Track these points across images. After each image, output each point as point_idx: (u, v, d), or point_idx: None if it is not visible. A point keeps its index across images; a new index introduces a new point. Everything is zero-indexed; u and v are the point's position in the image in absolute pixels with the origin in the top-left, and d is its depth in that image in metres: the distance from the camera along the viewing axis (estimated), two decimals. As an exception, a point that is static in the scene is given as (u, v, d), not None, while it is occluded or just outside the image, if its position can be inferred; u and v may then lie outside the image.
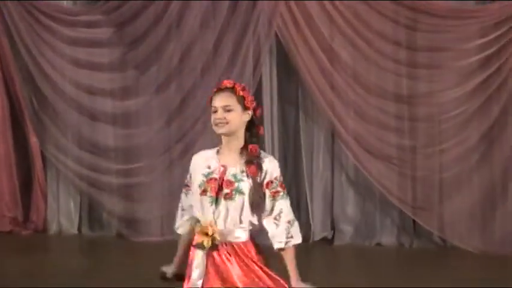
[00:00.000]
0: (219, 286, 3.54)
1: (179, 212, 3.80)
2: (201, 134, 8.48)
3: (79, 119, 9.00)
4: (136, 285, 6.38)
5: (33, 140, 9.07)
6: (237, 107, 3.58)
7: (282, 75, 8.73)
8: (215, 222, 3.54)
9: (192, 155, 3.75)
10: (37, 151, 9.08)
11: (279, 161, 8.77)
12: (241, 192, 3.54)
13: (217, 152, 3.66)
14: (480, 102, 8.23)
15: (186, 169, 3.77)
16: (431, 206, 8.37)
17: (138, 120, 8.89)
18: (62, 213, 9.17)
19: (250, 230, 3.61)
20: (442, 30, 8.23)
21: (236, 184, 3.54)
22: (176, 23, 8.67)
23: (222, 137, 3.63)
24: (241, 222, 3.56)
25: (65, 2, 9.16)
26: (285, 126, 8.84)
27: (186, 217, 3.76)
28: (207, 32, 8.57)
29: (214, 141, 3.74)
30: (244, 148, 3.60)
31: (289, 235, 3.62)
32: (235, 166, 3.59)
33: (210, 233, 3.51)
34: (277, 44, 8.59)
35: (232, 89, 3.60)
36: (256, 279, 3.55)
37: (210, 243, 3.52)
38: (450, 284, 6.79)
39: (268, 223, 3.61)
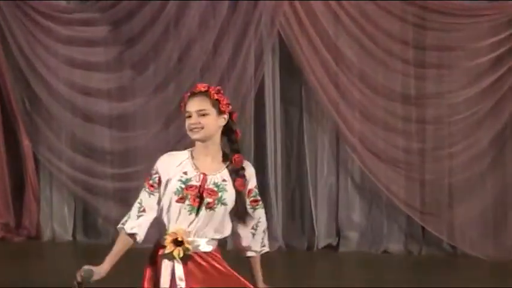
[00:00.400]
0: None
1: (136, 211, 3.62)
2: (200, 137, 8.40)
3: (73, 120, 8.96)
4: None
5: (26, 143, 9.00)
6: (212, 111, 3.56)
7: (285, 76, 8.73)
8: (189, 232, 3.51)
9: None
10: (29, 154, 9.01)
11: (282, 165, 8.80)
12: (223, 203, 3.53)
13: (191, 156, 3.62)
14: (492, 104, 8.20)
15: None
16: (440, 211, 8.32)
17: (135, 122, 8.88)
18: (56, 219, 9.10)
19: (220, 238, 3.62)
20: (452, 28, 8.25)
21: (220, 194, 3.53)
22: (174, 22, 8.64)
23: (197, 142, 3.61)
24: (217, 231, 3.56)
25: (58, -1, 9.22)
26: (288, 129, 8.82)
27: (145, 219, 3.62)
28: (207, 31, 8.57)
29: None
30: (224, 156, 3.59)
31: (263, 244, 3.70)
32: (215, 174, 3.57)
33: (184, 242, 3.49)
34: (280, 43, 8.62)
35: (206, 93, 3.57)
36: (237, 281, 3.56)
37: (181, 253, 3.50)
38: (460, 293, 6.85)
39: (244, 232, 3.65)
